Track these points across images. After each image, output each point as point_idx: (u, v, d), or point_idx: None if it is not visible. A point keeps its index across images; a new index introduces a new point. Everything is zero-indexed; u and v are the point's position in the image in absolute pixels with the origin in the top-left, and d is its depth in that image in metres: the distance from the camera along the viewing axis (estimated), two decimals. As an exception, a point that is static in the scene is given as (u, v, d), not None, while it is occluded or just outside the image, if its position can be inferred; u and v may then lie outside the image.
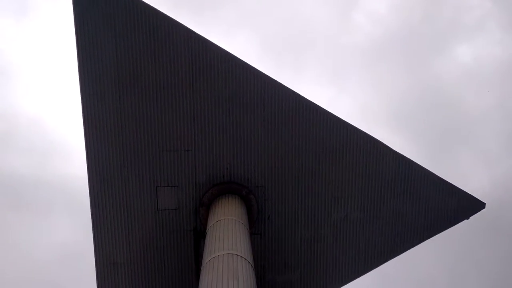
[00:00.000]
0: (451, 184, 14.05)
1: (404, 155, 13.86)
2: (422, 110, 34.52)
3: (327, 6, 36.31)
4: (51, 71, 35.16)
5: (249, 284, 8.96)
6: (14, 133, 32.30)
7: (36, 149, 32.49)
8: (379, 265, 14.87)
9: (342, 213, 14.01)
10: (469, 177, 33.46)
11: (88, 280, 13.71)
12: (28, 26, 33.72)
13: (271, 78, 12.76)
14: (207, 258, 10.12)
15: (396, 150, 13.78)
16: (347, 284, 14.91)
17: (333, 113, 13.28)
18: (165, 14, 12.04)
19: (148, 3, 11.95)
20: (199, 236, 13.64)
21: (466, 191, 14.26)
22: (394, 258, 14.94)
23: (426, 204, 14.22)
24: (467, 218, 14.55)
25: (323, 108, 13.13)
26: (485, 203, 14.41)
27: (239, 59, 12.54)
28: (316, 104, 13.08)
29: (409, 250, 14.91)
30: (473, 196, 14.30)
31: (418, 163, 13.91)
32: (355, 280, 14.92)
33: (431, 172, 13.92)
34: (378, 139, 13.56)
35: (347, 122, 13.34)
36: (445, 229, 14.69)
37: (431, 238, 14.61)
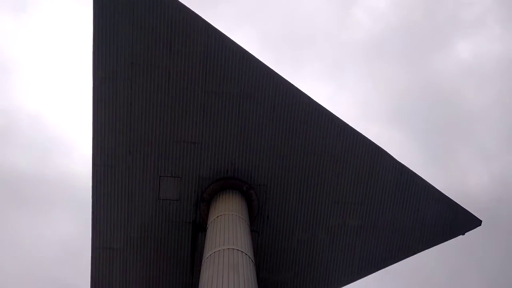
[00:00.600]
0: (450, 199, 14.22)
1: (406, 165, 14.01)
2: (421, 106, 34.54)
3: (327, 1, 36.19)
4: (51, 67, 35.04)
5: (250, 278, 9.03)
6: (14, 129, 32.28)
7: (36, 146, 32.52)
8: (372, 273, 15.01)
9: (341, 219, 14.12)
10: (468, 173, 33.70)
11: (88, 276, 13.69)
12: (28, 21, 33.63)
13: (284, 79, 12.82)
14: (208, 252, 10.16)
15: (397, 158, 13.92)
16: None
17: (335, 114, 13.30)
18: (185, 5, 12.05)
19: (169, -8, 11.97)
20: (197, 229, 13.69)
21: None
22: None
23: (424, 217, 14.38)
24: (463, 234, 14.73)
25: (331, 113, 13.22)
26: (481, 221, 14.60)
27: (254, 56, 12.58)
28: (325, 108, 13.16)
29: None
30: (471, 213, 14.48)
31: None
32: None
33: (432, 185, 14.08)
34: (383, 147, 13.65)
35: (353, 129, 13.45)
36: (440, 243, 14.87)
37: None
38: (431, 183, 14.10)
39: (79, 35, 35.05)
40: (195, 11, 12.23)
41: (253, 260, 10.06)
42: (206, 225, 13.52)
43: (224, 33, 12.31)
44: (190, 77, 12.47)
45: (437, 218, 14.40)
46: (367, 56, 35.90)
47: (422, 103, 34.46)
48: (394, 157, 13.87)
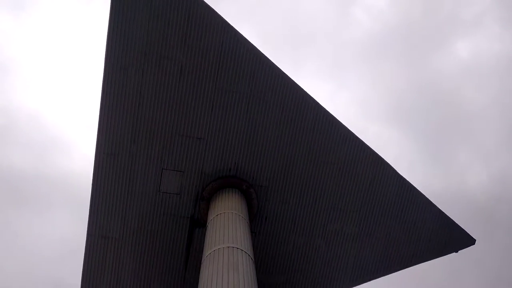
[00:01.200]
0: (447, 215, 14.36)
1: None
2: (420, 105, 34.57)
3: (326, 0, 36.17)
4: (51, 66, 34.92)
5: (249, 276, 9.05)
6: (13, 128, 32.16)
7: (36, 145, 32.48)
8: (364, 283, 15.08)
9: (338, 226, 14.19)
10: (467, 172, 33.77)
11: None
12: (27, 20, 33.56)
13: (295, 82, 12.87)
14: (207, 251, 10.17)
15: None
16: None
17: (339, 118, 13.41)
18: (204, 1, 12.06)
19: (189, -13, 11.97)
20: (195, 224, 13.67)
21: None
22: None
23: (420, 232, 14.50)
24: (456, 252, 14.86)
25: (338, 120, 13.30)
26: (475, 240, 14.74)
27: (267, 58, 12.62)
28: (332, 116, 13.23)
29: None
30: (466, 231, 14.63)
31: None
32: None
33: (430, 201, 14.21)
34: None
35: (358, 138, 13.54)
36: (433, 259, 15.00)
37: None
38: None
39: (79, 34, 35.19)
40: (212, 7, 12.29)
41: (253, 259, 10.09)
42: (204, 221, 13.53)
43: (240, 32, 12.34)
44: (202, 72, 12.47)
45: (433, 234, 14.53)
46: (367, 55, 35.97)
47: (421, 102, 34.53)
48: (396, 169, 13.97)
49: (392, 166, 13.97)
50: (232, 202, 12.77)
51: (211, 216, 12.22)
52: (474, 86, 34.32)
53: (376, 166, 13.79)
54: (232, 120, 12.95)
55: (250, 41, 12.52)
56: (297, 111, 13.04)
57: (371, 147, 13.72)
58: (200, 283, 9.14)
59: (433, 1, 34.47)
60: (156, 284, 14.02)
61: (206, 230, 11.83)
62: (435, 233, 14.56)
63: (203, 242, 13.73)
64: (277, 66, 12.74)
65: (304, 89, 12.89)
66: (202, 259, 10.18)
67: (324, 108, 13.13)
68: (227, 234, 10.84)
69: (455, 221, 14.40)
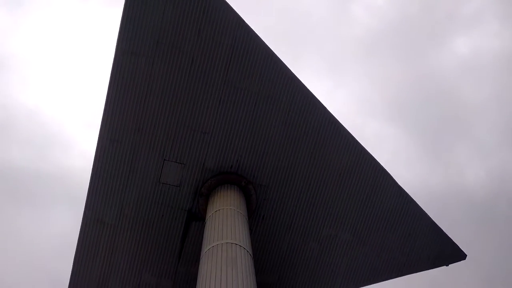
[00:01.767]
0: (441, 229, 14.51)
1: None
2: (419, 102, 34.50)
3: None
4: (49, 62, 34.70)
5: (248, 272, 9.09)
6: (12, 125, 31.90)
7: (35, 141, 32.28)
8: (353, 289, 15.20)
9: (333, 231, 14.27)
10: (465, 168, 33.79)
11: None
12: (25, 17, 33.32)
13: (304, 85, 12.91)
14: (206, 247, 10.19)
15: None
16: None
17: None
18: (221, -5, 12.05)
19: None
20: (191, 217, 13.66)
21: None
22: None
23: (413, 243, 14.65)
24: (447, 265, 15.03)
25: (343, 127, 13.37)
26: (466, 255, 14.92)
27: (279, 58, 12.64)
28: (338, 121, 13.30)
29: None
30: (458, 246, 14.79)
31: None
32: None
33: (426, 214, 14.35)
34: (387, 171, 13.85)
35: (361, 146, 13.62)
36: (424, 270, 15.16)
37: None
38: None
39: (77, 29, 34.98)
40: (229, 3, 12.28)
41: (251, 255, 10.13)
42: (201, 215, 13.54)
43: (254, 31, 12.34)
44: (212, 66, 12.45)
45: (426, 246, 14.69)
46: (365, 52, 35.85)
47: (420, 99, 34.45)
48: (396, 180, 14.08)
49: (393, 176, 14.08)
50: (231, 198, 12.78)
51: (210, 212, 12.23)
52: (473, 83, 34.27)
53: (376, 175, 13.89)
54: (238, 117, 12.95)
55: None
56: (303, 113, 13.08)
57: (372, 154, 13.83)
58: (199, 279, 9.15)
59: (432, -3, 34.33)
60: (147, 274, 14.01)
61: (205, 226, 11.83)
62: (428, 246, 14.71)
63: (199, 236, 13.81)
64: (287, 67, 12.77)
65: (313, 93, 12.93)
66: (201, 255, 10.20)
67: (330, 113, 13.19)
68: (226, 230, 10.87)
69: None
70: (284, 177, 13.64)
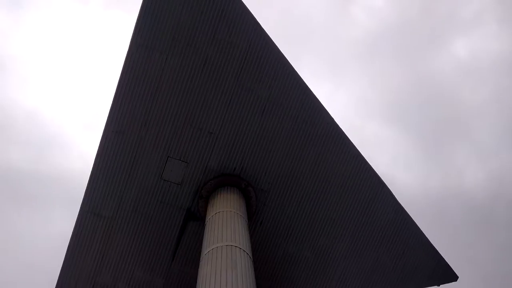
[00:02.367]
0: (436, 249, 14.60)
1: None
2: (418, 104, 34.53)
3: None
4: (48, 63, 34.68)
5: (248, 275, 9.06)
6: (11, 126, 31.82)
7: (34, 142, 32.20)
8: (343, 302, 15.19)
9: (329, 241, 14.29)
10: (465, 170, 33.78)
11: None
12: (24, 17, 33.33)
13: (313, 94, 12.99)
14: (206, 249, 10.15)
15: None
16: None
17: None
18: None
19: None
20: (190, 217, 13.60)
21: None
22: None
23: (407, 260, 14.71)
24: (438, 285, 15.10)
25: (348, 139, 13.45)
26: (458, 277, 15.01)
27: (291, 65, 12.72)
28: (343, 133, 13.38)
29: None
30: (450, 267, 14.89)
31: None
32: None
33: (422, 232, 14.44)
34: (387, 185, 13.94)
35: (365, 159, 13.70)
36: (415, 288, 15.21)
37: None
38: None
39: (76, 31, 35.01)
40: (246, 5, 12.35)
41: (251, 257, 10.10)
42: (200, 216, 13.50)
43: (270, 37, 12.42)
44: (225, 68, 12.49)
45: (419, 264, 14.75)
46: (364, 54, 35.92)
47: (419, 101, 34.52)
48: (395, 195, 14.17)
49: (392, 192, 14.17)
50: (231, 201, 12.76)
51: (210, 214, 12.18)
52: (472, 85, 34.37)
53: (376, 189, 13.97)
54: (246, 120, 12.97)
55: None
56: (310, 122, 13.14)
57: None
58: (199, 281, 9.09)
59: (431, 0, 34.50)
60: (140, 270, 13.89)
61: (204, 228, 11.78)
62: (422, 264, 14.78)
63: (195, 237, 13.77)
64: (299, 76, 12.85)
65: (322, 103, 13.01)
66: (201, 257, 10.15)
67: (337, 124, 13.27)
68: (225, 232, 10.83)
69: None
70: (285, 184, 13.66)
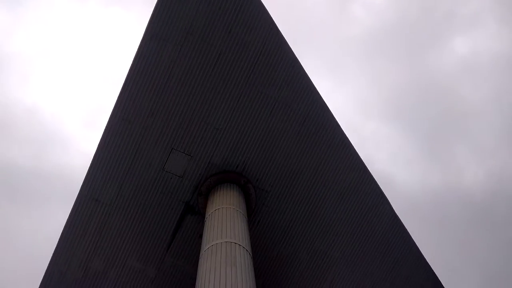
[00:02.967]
0: (429, 265, 14.74)
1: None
2: (418, 102, 34.50)
3: None
4: (48, 60, 34.48)
5: (247, 272, 9.08)
6: (11, 122, 31.65)
7: (34, 139, 32.07)
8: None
9: (324, 247, 14.37)
10: (464, 168, 33.77)
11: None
12: (24, 15, 33.20)
13: (322, 99, 13.07)
14: (205, 245, 10.16)
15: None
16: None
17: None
18: (259, -1, 12.17)
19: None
20: (188, 210, 13.59)
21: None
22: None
23: (398, 273, 14.83)
24: (426, 299, 15.23)
25: (353, 147, 13.54)
26: (447, 292, 15.17)
27: (303, 69, 12.78)
28: (349, 141, 13.47)
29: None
30: (441, 282, 15.03)
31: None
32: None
33: (417, 246, 14.56)
34: (387, 197, 14.05)
35: (367, 169, 13.80)
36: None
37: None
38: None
39: (76, 28, 34.90)
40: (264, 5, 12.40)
41: (251, 254, 10.13)
42: (198, 210, 13.51)
43: (285, 39, 12.47)
44: (237, 66, 12.51)
45: (410, 276, 14.87)
46: (364, 52, 35.86)
47: (419, 99, 34.52)
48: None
49: (390, 203, 14.28)
50: (230, 197, 12.78)
51: (209, 211, 12.19)
52: (471, 83, 34.37)
53: (374, 199, 14.07)
54: (253, 119, 13.00)
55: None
56: (317, 127, 13.22)
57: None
58: (198, 278, 9.09)
59: (431, -1, 34.45)
60: (133, 259, 13.84)
61: (204, 224, 11.79)
62: (412, 277, 14.90)
63: (191, 230, 13.78)
64: (310, 79, 12.92)
65: (331, 110, 13.09)
66: (200, 254, 10.15)
67: (343, 131, 13.35)
68: (225, 229, 10.84)
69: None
70: (286, 186, 13.71)
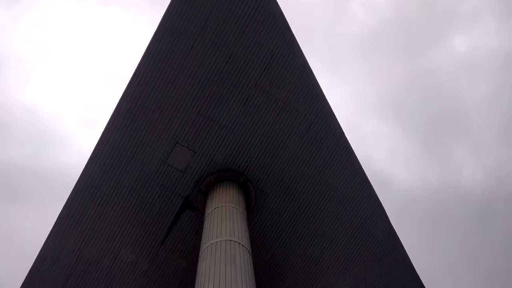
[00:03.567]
0: (419, 278, 14.89)
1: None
2: (417, 100, 34.55)
3: None
4: (47, 59, 34.36)
5: (247, 270, 9.11)
6: (10, 122, 31.54)
7: (33, 138, 32.00)
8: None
9: (318, 252, 14.45)
10: (463, 166, 33.87)
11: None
12: (22, 14, 33.10)
13: (330, 106, 13.15)
14: (205, 244, 10.18)
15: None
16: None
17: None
18: (276, 1, 12.21)
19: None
20: (186, 205, 13.60)
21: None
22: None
23: (389, 282, 14.96)
24: (414, 310, 15.39)
25: (355, 155, 13.64)
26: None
27: (313, 74, 12.85)
28: (351, 149, 13.57)
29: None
30: (429, 296, 15.19)
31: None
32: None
33: (409, 259, 14.71)
34: (384, 207, 14.18)
35: (367, 178, 13.91)
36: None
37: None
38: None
39: (74, 27, 34.74)
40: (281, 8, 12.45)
41: (251, 252, 10.17)
42: (197, 206, 13.52)
43: (299, 43, 12.53)
44: (248, 66, 12.54)
45: (400, 287, 15.01)
46: (363, 50, 35.86)
47: (418, 97, 34.57)
48: (389, 217, 14.42)
49: (386, 213, 14.41)
50: (230, 196, 12.81)
51: (209, 209, 12.21)
52: (470, 81, 34.43)
53: (372, 208, 14.19)
54: (259, 120, 13.05)
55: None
56: (322, 133, 13.30)
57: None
58: (198, 276, 9.11)
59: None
60: (127, 250, 13.81)
61: (203, 223, 11.81)
62: (403, 287, 15.05)
63: (187, 226, 13.78)
64: (319, 84, 13.00)
65: (337, 117, 13.18)
66: (200, 252, 10.17)
67: (347, 140, 13.45)
68: (224, 227, 10.87)
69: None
70: (286, 189, 13.77)
